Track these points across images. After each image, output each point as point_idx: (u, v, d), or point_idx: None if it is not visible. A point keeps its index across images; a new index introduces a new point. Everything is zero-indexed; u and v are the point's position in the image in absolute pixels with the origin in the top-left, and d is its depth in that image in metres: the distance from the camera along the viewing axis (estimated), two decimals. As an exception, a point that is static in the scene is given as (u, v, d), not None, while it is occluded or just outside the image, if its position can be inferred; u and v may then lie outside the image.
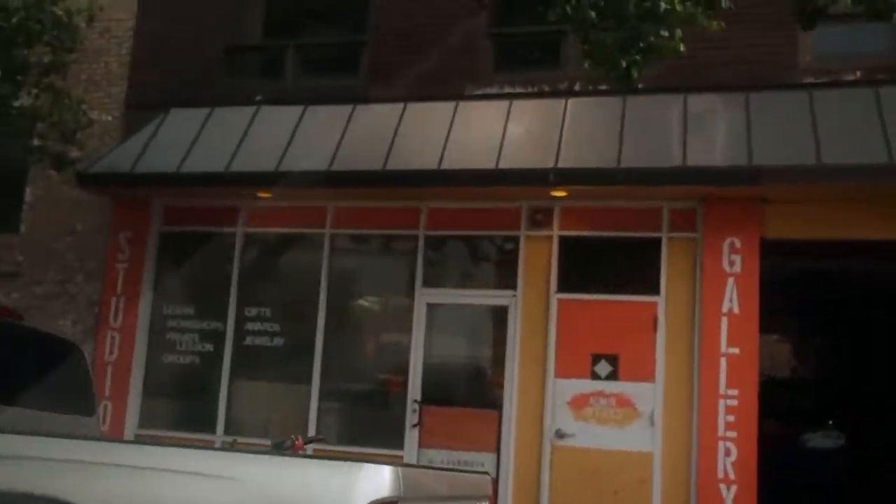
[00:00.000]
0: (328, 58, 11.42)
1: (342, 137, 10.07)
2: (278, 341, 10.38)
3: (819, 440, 12.67)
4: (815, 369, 17.27)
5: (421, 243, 10.03)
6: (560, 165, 9.17)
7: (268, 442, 10.01)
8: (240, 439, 9.51)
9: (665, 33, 6.92)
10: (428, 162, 9.56)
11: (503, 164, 9.33)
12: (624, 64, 6.99)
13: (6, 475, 3.51)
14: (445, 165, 9.46)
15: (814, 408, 13.21)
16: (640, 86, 9.58)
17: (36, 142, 9.96)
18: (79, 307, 11.02)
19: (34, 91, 9.77)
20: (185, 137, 10.59)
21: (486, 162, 9.40)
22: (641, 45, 6.94)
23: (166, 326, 10.79)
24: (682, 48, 7.03)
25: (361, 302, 10.46)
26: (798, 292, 11.89)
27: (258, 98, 10.83)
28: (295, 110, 10.52)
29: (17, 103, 9.53)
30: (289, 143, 10.15)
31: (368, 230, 10.39)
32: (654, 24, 6.85)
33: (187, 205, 10.91)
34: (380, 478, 3.34)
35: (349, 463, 3.46)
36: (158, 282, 10.88)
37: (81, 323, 10.96)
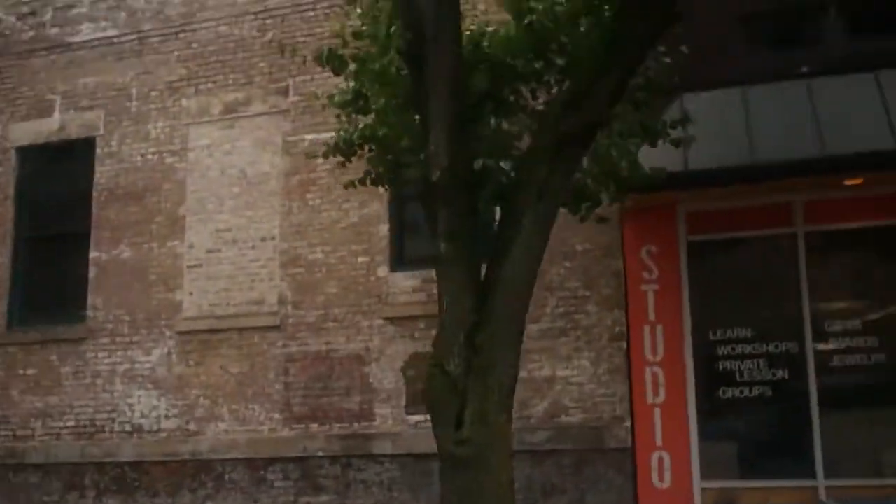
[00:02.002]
0: (875, 16, 9.42)
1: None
2: (878, 358, 8.48)
3: None
4: None
5: None
6: None
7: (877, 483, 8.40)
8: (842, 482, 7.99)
9: None
10: None
11: None
12: None
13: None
14: None
15: None
16: None
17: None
18: (597, 343, 9.19)
19: None
20: (726, 124, 8.74)
21: None
22: None
23: (717, 354, 8.91)
24: None
25: None
26: None
27: (803, 69, 8.94)
28: (862, 79, 8.61)
29: None
30: (888, 114, 8.26)
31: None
32: None
33: (714, 207, 9.07)
34: None
35: None
36: (695, 301, 9.02)
37: (605, 362, 9.13)
